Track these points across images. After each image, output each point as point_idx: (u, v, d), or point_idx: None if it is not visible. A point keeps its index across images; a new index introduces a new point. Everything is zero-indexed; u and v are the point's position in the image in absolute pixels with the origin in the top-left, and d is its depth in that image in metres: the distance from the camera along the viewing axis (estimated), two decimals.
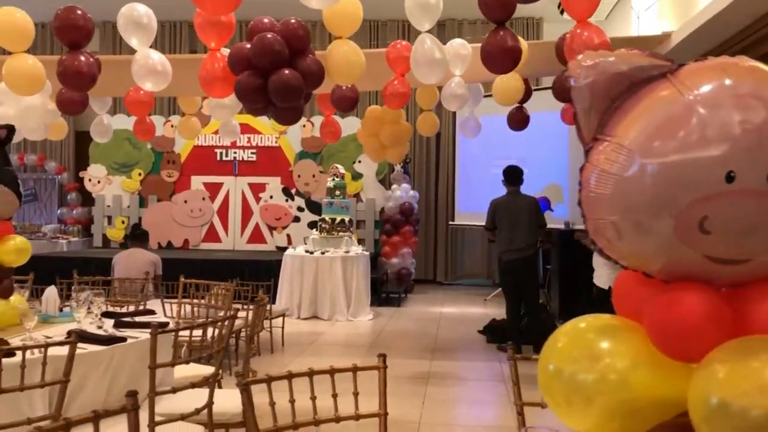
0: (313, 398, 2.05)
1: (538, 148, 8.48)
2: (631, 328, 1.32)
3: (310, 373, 2.07)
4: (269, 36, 3.92)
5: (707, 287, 1.23)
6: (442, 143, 11.33)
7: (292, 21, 4.16)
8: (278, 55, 3.89)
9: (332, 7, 3.88)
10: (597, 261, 5.68)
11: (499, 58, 4.21)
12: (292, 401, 2.02)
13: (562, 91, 5.02)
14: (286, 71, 3.88)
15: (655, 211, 1.19)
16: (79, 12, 4.53)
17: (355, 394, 2.11)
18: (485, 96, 6.48)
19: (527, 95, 5.61)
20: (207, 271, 7.93)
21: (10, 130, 3.31)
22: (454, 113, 10.21)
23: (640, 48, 1.34)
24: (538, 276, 6.72)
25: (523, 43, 4.55)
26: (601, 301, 5.53)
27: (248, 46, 4.14)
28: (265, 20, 4.34)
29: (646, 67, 1.26)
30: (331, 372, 2.10)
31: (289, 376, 2.05)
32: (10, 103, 4.98)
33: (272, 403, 1.97)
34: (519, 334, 6.23)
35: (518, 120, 5.96)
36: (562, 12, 7.97)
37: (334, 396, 2.09)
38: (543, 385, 1.36)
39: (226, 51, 4.51)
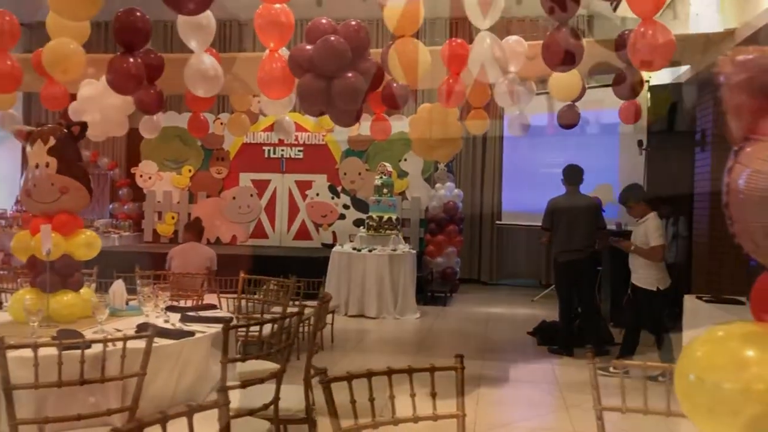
0: (392, 397, 2.06)
1: (587, 147, 8.35)
2: None
3: (389, 372, 2.08)
4: (333, 39, 3.95)
5: None
6: (488, 142, 11.24)
7: (353, 23, 4.17)
8: (342, 59, 3.92)
9: (395, 6, 3.88)
10: (638, 262, 5.49)
11: (561, 55, 4.16)
12: (371, 399, 2.03)
13: (622, 89, 4.93)
14: (350, 74, 3.91)
15: None
16: (138, 14, 4.58)
17: (433, 395, 2.11)
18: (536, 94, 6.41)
19: (581, 93, 5.54)
20: (255, 267, 8.00)
21: (83, 127, 3.41)
22: (501, 111, 10.13)
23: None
24: (594, 278, 6.59)
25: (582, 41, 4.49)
26: (647, 302, 5.41)
27: (308, 47, 4.16)
28: (323, 21, 4.35)
29: None
30: (409, 371, 2.10)
31: (369, 375, 2.07)
32: (94, 109, 5.09)
33: (353, 401, 1.98)
34: (571, 336, 6.14)
35: (569, 118, 5.89)
36: (615, 9, 7.83)
37: (413, 396, 2.09)
38: (682, 395, 1.31)
39: (284, 51, 4.55)
